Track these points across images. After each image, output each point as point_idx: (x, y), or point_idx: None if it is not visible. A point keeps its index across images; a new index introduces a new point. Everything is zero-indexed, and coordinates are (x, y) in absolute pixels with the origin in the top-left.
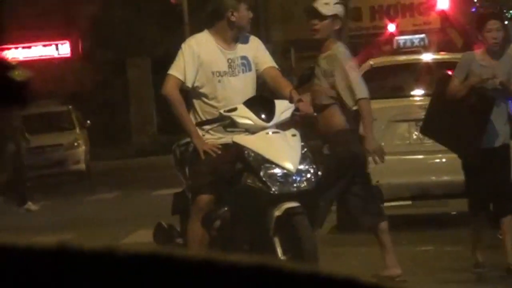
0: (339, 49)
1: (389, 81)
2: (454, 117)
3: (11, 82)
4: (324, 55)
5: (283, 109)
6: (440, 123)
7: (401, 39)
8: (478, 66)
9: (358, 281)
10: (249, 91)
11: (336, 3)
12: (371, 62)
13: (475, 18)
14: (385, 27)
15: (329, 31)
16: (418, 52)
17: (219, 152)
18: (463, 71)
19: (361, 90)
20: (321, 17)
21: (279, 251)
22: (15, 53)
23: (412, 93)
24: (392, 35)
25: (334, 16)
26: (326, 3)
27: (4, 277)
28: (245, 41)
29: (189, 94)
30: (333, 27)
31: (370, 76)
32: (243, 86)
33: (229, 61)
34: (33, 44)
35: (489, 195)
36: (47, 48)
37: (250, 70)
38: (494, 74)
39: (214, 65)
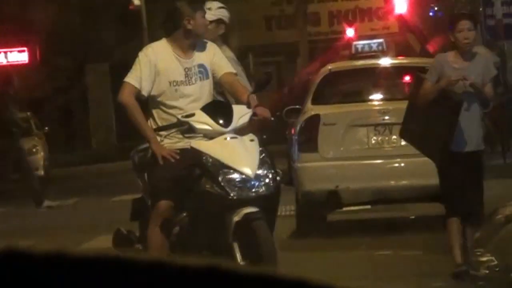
0: (226, 53)
1: (347, 85)
2: (426, 120)
3: None
4: None
5: (241, 114)
6: (415, 126)
7: (359, 43)
8: (450, 68)
9: (308, 283)
10: (206, 98)
11: (220, 8)
12: (329, 67)
13: (448, 19)
14: (343, 31)
15: (213, 36)
16: (376, 57)
17: (178, 157)
18: (435, 74)
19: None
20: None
21: (238, 256)
22: None
23: (371, 97)
24: (351, 39)
25: (218, 21)
26: (208, 8)
27: None
28: (202, 48)
29: (148, 101)
30: (217, 32)
31: (328, 81)
32: (199, 94)
33: (186, 70)
34: None
35: (460, 199)
36: (3, 55)
37: (207, 77)
38: (464, 75)
39: (171, 75)
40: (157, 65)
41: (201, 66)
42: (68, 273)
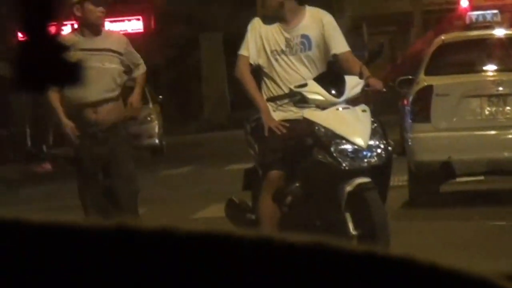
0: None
1: (461, 56)
2: None
3: (65, 62)
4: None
5: (353, 84)
6: None
7: (474, 14)
8: None
9: (414, 260)
10: (307, 70)
11: None
12: (443, 37)
13: None
14: (458, 2)
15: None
16: (491, 28)
17: (284, 131)
18: None
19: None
20: (107, 4)
21: (350, 226)
22: None
23: (485, 68)
24: (465, 10)
25: None
26: None
27: (64, 257)
28: (312, 19)
29: (259, 71)
30: None
31: (442, 52)
32: (301, 65)
33: (287, 40)
34: (106, 19)
35: None
36: (120, 23)
37: (310, 49)
38: None
39: (272, 44)
40: (261, 35)
41: (304, 37)
42: (174, 250)
